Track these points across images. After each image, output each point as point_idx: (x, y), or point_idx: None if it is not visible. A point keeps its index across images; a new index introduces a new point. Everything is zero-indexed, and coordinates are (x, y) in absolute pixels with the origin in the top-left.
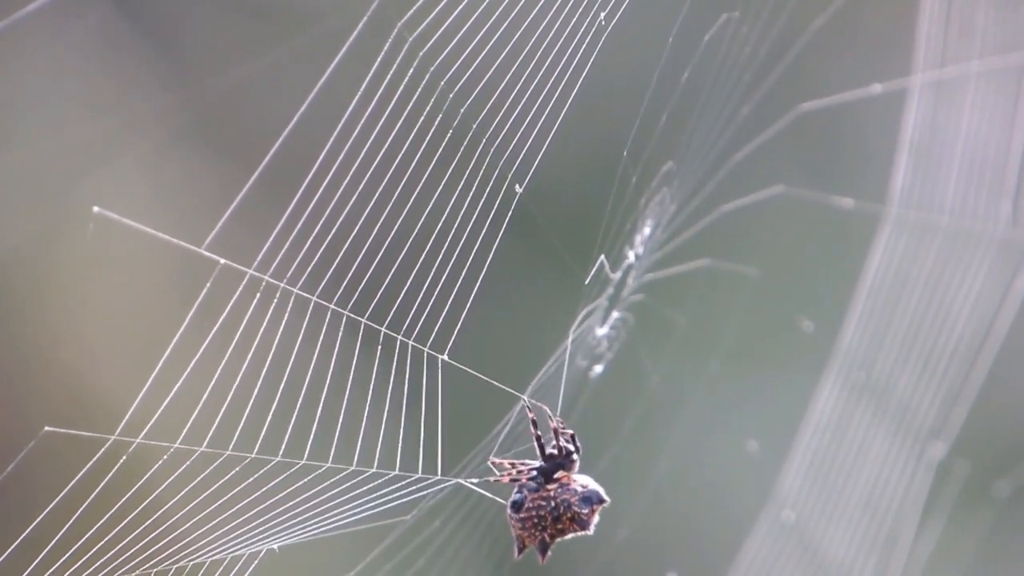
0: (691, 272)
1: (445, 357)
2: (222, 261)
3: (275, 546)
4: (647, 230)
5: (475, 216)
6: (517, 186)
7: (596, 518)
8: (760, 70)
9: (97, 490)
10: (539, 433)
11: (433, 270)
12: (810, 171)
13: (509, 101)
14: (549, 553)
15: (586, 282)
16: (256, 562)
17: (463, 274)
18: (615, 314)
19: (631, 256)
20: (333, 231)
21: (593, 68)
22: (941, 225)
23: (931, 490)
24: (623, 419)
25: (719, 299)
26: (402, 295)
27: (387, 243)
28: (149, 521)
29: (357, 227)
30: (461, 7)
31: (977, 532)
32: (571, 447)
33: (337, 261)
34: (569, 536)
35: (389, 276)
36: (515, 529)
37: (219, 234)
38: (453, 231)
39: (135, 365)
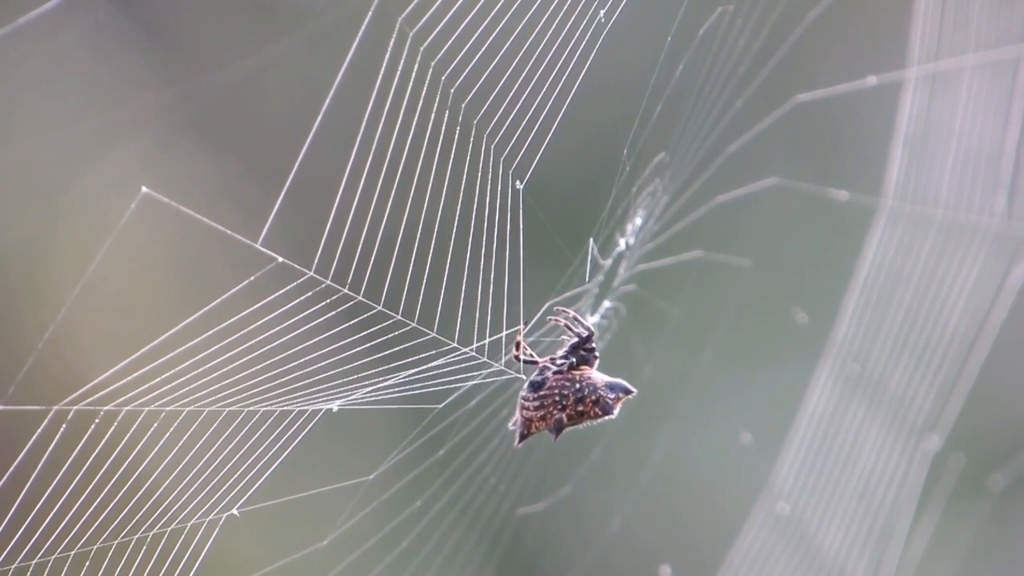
0: (684, 263)
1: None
2: (280, 259)
3: (235, 511)
4: (638, 220)
5: (475, 210)
6: (518, 183)
7: (619, 407)
8: (755, 62)
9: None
10: (567, 323)
11: (429, 257)
12: (805, 163)
13: (510, 97)
14: (563, 433)
15: (574, 267)
16: (216, 528)
17: (458, 259)
18: (606, 303)
19: (622, 244)
20: (331, 217)
21: (591, 63)
22: (936, 218)
23: (926, 483)
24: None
25: (712, 290)
26: (368, 264)
27: (372, 224)
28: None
29: (350, 211)
30: (460, 3)
31: (972, 524)
32: (593, 344)
33: (322, 237)
34: (584, 424)
35: (372, 253)
36: (527, 411)
37: (268, 232)
38: (454, 223)
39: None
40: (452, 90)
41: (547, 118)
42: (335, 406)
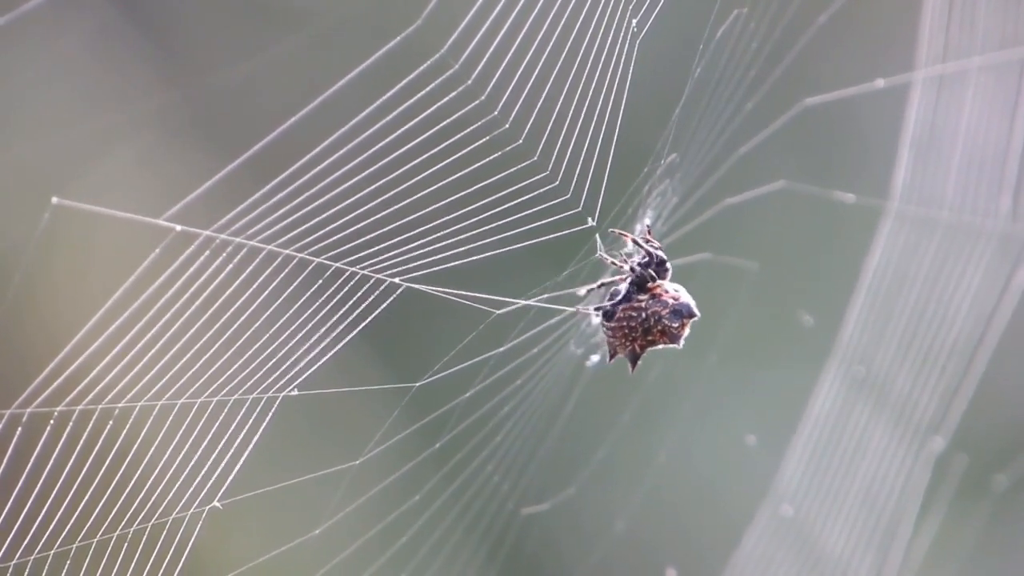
0: (691, 265)
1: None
2: (178, 228)
3: (218, 503)
4: (647, 221)
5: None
6: (590, 219)
7: (687, 331)
8: (766, 65)
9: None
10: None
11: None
12: (812, 165)
13: (565, 128)
14: (639, 363)
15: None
16: (199, 522)
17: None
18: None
19: (630, 245)
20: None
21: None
22: (941, 220)
23: (930, 484)
24: (620, 412)
25: (719, 293)
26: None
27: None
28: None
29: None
30: (492, 16)
31: (975, 525)
32: (662, 255)
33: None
34: (660, 347)
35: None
36: (607, 337)
37: (214, 212)
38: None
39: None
40: (507, 124)
41: (601, 153)
42: (295, 391)
